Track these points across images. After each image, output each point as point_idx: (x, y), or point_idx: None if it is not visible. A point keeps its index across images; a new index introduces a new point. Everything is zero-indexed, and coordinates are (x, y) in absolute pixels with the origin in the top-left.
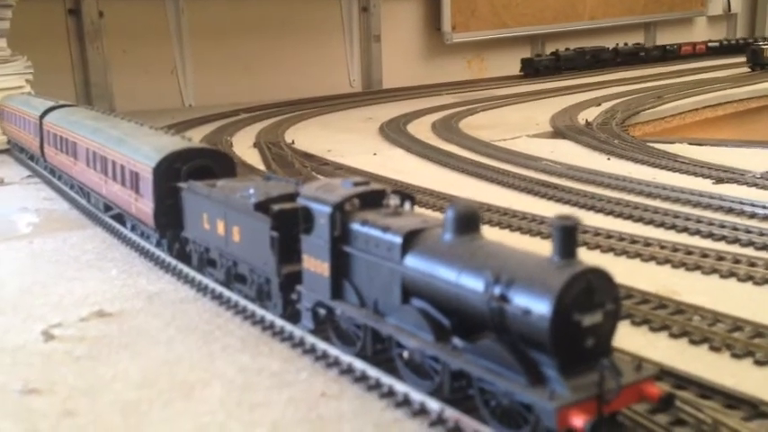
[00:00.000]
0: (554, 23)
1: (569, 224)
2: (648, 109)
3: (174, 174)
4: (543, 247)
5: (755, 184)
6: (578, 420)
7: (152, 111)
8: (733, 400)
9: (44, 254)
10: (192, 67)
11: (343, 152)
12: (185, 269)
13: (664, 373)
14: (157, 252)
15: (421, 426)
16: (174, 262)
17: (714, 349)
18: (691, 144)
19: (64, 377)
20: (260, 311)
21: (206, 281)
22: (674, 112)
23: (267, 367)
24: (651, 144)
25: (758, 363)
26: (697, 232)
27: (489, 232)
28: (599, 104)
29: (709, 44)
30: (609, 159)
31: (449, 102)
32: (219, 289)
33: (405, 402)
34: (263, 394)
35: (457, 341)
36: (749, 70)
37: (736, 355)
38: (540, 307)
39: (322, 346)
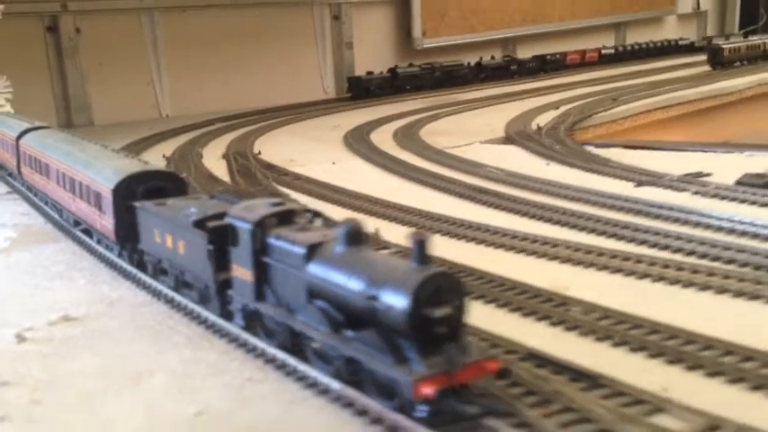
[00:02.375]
0: (522, 26)
1: (423, 239)
2: (601, 112)
3: (131, 194)
4: (469, 249)
5: (670, 187)
6: (428, 390)
7: (130, 122)
8: (578, 375)
9: (20, 265)
10: (168, 78)
11: (304, 161)
12: (143, 277)
13: (532, 356)
14: (120, 262)
15: (326, 402)
16: (134, 271)
17: (582, 335)
18: (626, 148)
19: (32, 372)
20: (204, 313)
21: (160, 287)
22: (625, 114)
23: (206, 359)
24: (590, 149)
25: (615, 344)
26: (603, 233)
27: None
28: (557, 108)
29: (603, 51)
30: (548, 164)
31: (417, 107)
32: (171, 294)
33: (314, 384)
34: (200, 381)
35: (348, 333)
36: (710, 69)
37: (599, 340)
38: (400, 303)
39: (252, 340)
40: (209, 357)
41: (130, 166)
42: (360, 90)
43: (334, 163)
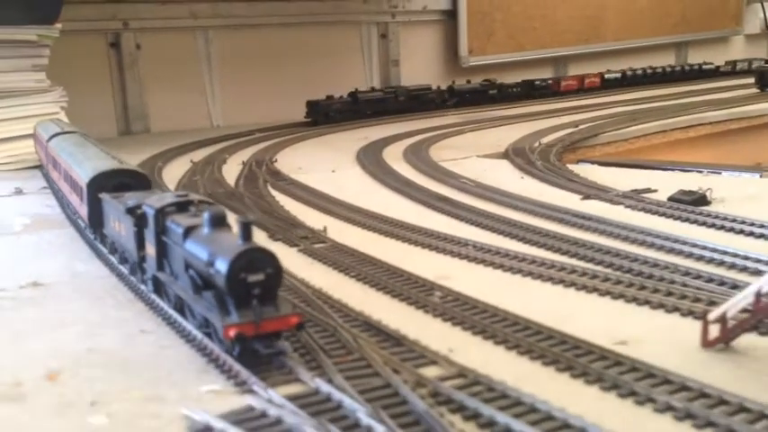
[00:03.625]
0: (574, 46)
1: (246, 220)
2: (611, 131)
3: (101, 187)
4: (391, 245)
5: (610, 201)
6: (232, 332)
7: (182, 130)
8: (388, 337)
9: (24, 245)
10: (219, 91)
11: (309, 169)
12: (108, 255)
13: (365, 323)
14: (96, 243)
15: (190, 347)
16: (104, 250)
17: (426, 313)
18: (600, 165)
19: None
20: (136, 282)
21: (116, 263)
22: (639, 133)
23: (121, 316)
24: (570, 166)
25: (444, 320)
26: (515, 236)
27: (366, 235)
28: (576, 126)
29: (607, 76)
30: (522, 178)
31: (450, 121)
32: (121, 268)
33: (188, 334)
34: (106, 330)
35: (205, 294)
36: (758, 91)
37: (436, 316)
38: (222, 268)
39: (159, 302)
40: (125, 315)
41: (105, 165)
42: (319, 115)
43: (333, 171)
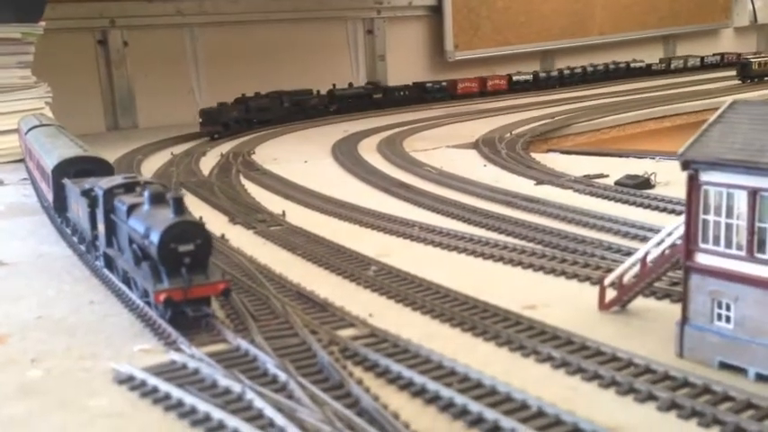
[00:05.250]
0: (561, 39)
1: (178, 196)
2: (583, 122)
3: (65, 173)
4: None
5: (561, 186)
6: (161, 297)
7: (170, 125)
8: (314, 304)
9: None
10: (206, 86)
11: (283, 160)
12: (71, 237)
13: (297, 293)
14: (63, 228)
15: (132, 314)
16: (68, 232)
17: (359, 285)
18: (562, 153)
19: None
20: (92, 261)
21: (77, 244)
22: (612, 124)
23: (74, 290)
24: (533, 154)
25: (373, 290)
26: (463, 219)
27: (322, 219)
28: (553, 118)
29: (516, 77)
30: (485, 166)
31: (434, 114)
32: (82, 249)
33: (132, 303)
34: (59, 302)
35: (143, 264)
36: (740, 82)
37: (366, 288)
38: (155, 239)
39: (111, 277)
40: (78, 289)
41: (70, 153)
42: (218, 125)
43: (306, 162)
